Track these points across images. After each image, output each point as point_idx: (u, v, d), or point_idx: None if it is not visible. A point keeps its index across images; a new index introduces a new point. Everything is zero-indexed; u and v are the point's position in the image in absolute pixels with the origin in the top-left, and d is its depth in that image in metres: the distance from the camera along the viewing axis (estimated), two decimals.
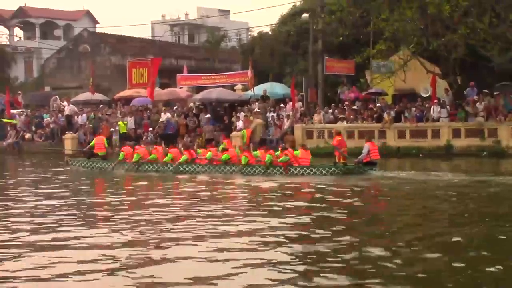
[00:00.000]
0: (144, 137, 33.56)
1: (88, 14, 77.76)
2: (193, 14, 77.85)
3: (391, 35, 29.98)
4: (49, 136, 37.79)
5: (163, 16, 78.91)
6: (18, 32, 77.62)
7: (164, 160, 23.79)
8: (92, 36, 54.42)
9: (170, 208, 15.21)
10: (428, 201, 16.13)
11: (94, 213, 15.31)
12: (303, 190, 19.06)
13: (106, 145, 27.15)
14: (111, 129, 34.74)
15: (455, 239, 11.24)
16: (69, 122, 37.85)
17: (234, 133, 31.93)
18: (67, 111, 38.78)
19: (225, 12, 78.05)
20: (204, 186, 19.74)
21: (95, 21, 76.69)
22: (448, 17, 28.44)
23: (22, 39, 76.19)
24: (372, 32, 32.49)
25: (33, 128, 38.98)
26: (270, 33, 52.71)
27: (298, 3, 48.87)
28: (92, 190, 20.91)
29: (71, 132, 35.73)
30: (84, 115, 37.75)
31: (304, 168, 21.56)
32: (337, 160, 22.06)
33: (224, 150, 23.65)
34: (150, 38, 67.16)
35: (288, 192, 18.27)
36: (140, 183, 20.96)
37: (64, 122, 37.93)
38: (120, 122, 34.82)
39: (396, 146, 29.77)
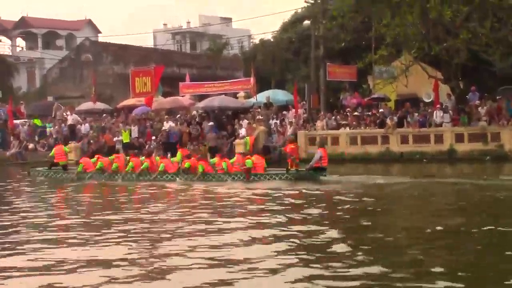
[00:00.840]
0: (147, 146, 33.60)
1: (90, 23, 77.90)
2: (195, 22, 78.05)
3: (392, 40, 29.98)
4: (52, 146, 37.73)
5: (165, 24, 79.04)
6: (20, 42, 77.81)
7: (126, 169, 24.58)
8: (94, 45, 54.53)
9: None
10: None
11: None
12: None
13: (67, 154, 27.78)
14: (115, 138, 34.75)
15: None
16: (72, 131, 37.87)
17: (237, 141, 31.90)
18: (70, 121, 38.81)
19: (227, 20, 78.16)
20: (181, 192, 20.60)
21: (97, 31, 76.83)
22: (449, 22, 28.44)
23: (25, 49, 76.29)
24: (374, 37, 32.49)
25: (36, 138, 39.01)
26: (272, 40, 52.82)
27: (299, 10, 49.03)
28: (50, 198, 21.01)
29: (74, 142, 35.73)
30: (87, 124, 37.77)
31: (258, 175, 22.48)
32: (289, 167, 22.71)
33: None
34: (152, 46, 67.28)
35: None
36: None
37: (67, 132, 37.95)
38: (123, 132, 34.83)
39: (399, 152, 29.76)
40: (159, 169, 23.76)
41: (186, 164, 23.45)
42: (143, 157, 25.17)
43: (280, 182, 21.78)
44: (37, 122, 40.79)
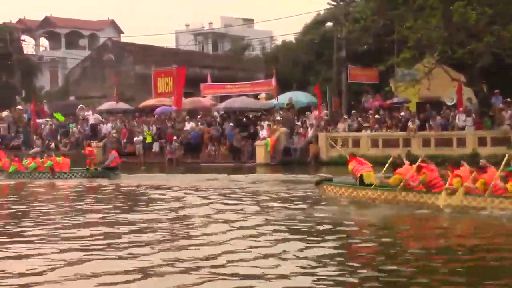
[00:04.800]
0: (167, 146, 33.70)
1: (112, 24, 78.35)
2: (217, 23, 78.05)
3: (415, 43, 29.73)
4: (74, 145, 37.98)
5: (187, 25, 79.17)
6: (43, 42, 78.63)
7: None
8: (116, 45, 54.69)
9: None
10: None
11: None
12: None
13: None
14: (135, 138, 34.90)
15: None
16: (93, 131, 38.07)
17: (258, 142, 31.86)
18: (91, 120, 39.03)
19: (249, 21, 78.14)
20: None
21: (119, 31, 77.21)
22: (472, 25, 28.14)
23: (48, 49, 77.04)
24: (397, 40, 32.30)
25: (59, 137, 39.23)
26: (293, 41, 52.72)
27: (322, 12, 48.91)
28: None
29: (96, 141, 35.94)
30: (109, 124, 37.93)
31: (62, 173, 27.17)
32: (88, 166, 27.60)
33: None
34: (174, 47, 67.39)
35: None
36: None
37: (89, 131, 38.15)
38: (146, 132, 35.01)
39: (421, 155, 29.44)
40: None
41: None
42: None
43: (81, 179, 26.31)
44: (59, 117, 41.16)
